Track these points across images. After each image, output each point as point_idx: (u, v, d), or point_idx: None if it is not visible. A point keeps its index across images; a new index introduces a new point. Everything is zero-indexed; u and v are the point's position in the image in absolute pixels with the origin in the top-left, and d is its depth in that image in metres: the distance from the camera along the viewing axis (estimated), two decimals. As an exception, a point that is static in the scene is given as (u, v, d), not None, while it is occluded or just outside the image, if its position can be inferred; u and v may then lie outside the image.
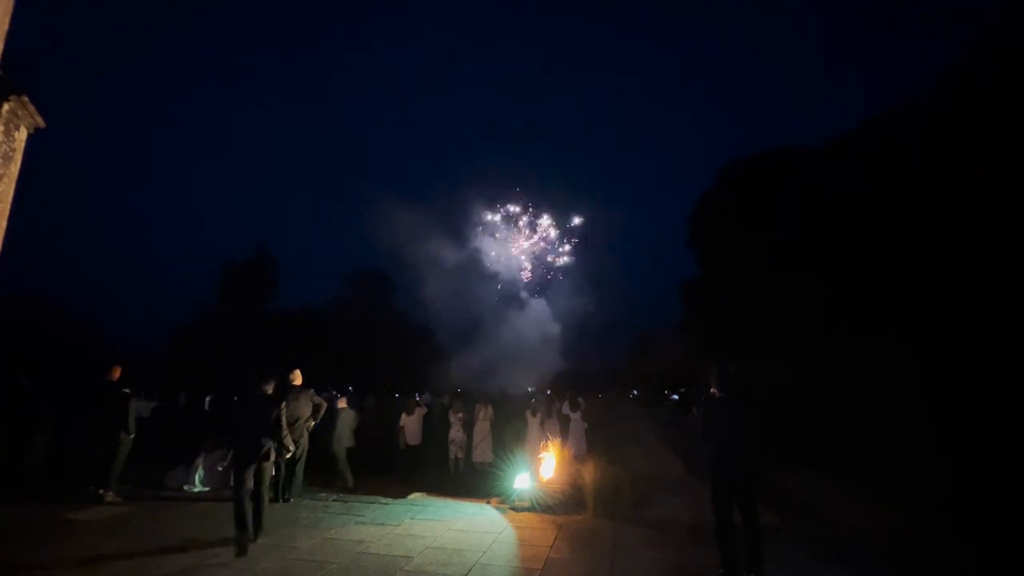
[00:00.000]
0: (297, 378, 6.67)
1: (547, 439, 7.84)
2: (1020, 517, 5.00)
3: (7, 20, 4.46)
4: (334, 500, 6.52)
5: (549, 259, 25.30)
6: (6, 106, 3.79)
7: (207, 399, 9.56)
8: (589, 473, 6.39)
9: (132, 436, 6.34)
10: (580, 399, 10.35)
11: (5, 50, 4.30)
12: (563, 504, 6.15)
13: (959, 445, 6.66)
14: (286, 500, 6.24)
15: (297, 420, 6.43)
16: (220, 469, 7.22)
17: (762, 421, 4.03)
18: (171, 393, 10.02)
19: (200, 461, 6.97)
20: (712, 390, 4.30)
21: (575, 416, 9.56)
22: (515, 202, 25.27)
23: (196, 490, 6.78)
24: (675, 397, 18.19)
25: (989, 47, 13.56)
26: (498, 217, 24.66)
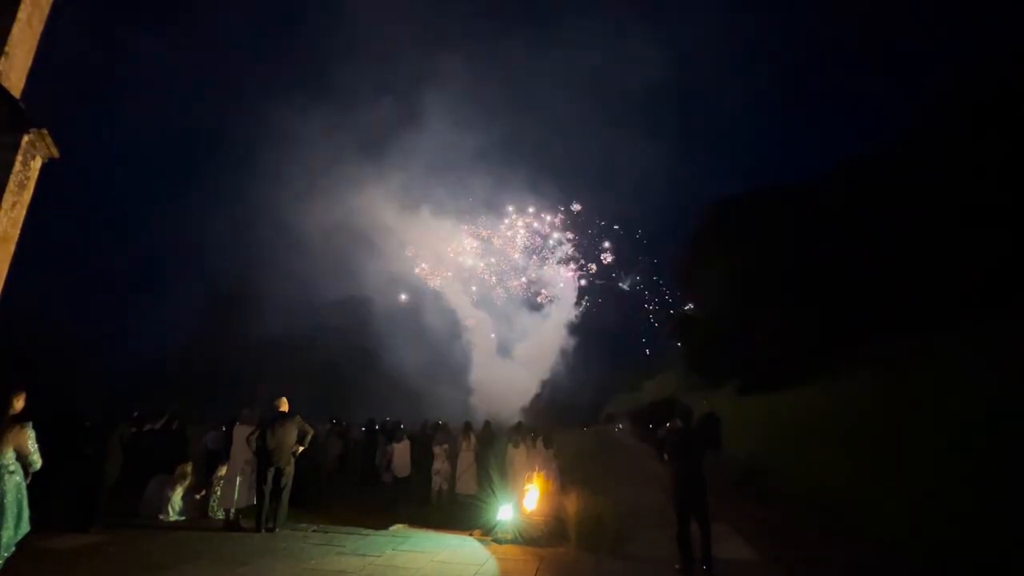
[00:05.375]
0: (283, 405, 6.69)
1: (532, 471, 7.83)
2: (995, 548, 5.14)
3: (30, 58, 4.74)
4: (315, 531, 6.43)
5: (541, 290, 25.71)
6: (26, 138, 4.00)
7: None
8: (572, 505, 6.41)
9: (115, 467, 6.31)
10: (552, 435, 10.22)
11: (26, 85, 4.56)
12: (546, 536, 6.15)
13: (935, 478, 6.82)
14: (270, 529, 6.14)
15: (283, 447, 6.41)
16: (197, 498, 7.10)
17: (713, 442, 5.46)
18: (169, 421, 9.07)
19: (177, 489, 6.86)
20: (676, 421, 5.37)
21: (547, 453, 9.46)
22: (508, 222, 25.78)
23: (172, 519, 6.65)
24: (656, 433, 18.11)
25: (961, 90, 14.83)
26: (489, 234, 25.10)
